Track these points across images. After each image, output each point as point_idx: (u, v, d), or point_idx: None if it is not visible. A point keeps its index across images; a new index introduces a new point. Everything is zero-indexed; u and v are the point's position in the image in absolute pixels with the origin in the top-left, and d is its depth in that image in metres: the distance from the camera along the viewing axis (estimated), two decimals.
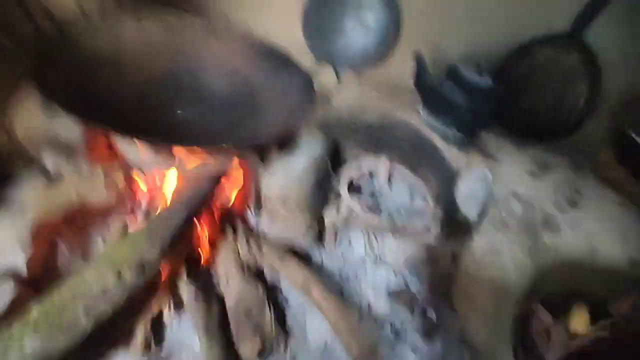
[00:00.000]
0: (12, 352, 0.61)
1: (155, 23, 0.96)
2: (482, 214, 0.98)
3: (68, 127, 0.86)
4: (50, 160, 0.89)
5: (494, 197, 1.05)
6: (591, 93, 1.24)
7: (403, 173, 1.10)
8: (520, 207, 1.06)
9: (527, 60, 1.30)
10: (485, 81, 1.14)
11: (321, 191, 0.93)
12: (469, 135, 1.20)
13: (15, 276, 0.79)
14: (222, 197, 1.00)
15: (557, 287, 0.94)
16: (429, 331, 0.93)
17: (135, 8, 1.24)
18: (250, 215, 1.04)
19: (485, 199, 0.99)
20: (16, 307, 0.75)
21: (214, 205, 0.97)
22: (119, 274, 0.70)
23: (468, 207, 0.97)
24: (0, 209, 0.82)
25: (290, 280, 0.90)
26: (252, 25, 1.27)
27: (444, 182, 1.05)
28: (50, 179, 0.87)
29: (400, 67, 1.35)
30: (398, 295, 1.00)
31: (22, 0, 0.88)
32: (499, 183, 1.09)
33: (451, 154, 1.14)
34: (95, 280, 0.69)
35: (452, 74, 1.18)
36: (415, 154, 1.13)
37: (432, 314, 0.95)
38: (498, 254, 0.94)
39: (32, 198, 0.82)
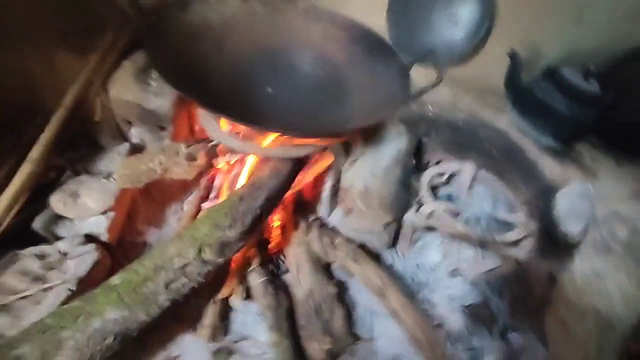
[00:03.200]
0: (95, 318, 0.60)
1: (260, 1, 0.96)
2: (583, 234, 0.86)
3: (158, 102, 0.87)
4: (136, 133, 0.90)
5: (595, 217, 0.93)
6: None
7: (487, 179, 1.00)
8: (625, 230, 0.93)
9: (635, 66, 1.14)
10: (592, 86, 1.02)
11: (404, 190, 0.87)
12: (565, 144, 1.08)
13: (97, 240, 0.80)
14: (296, 184, 0.96)
15: None
16: (509, 357, 0.83)
17: None
18: (322, 208, 1.00)
19: (588, 217, 0.88)
20: (97, 272, 0.75)
21: (288, 192, 0.93)
22: (199, 251, 0.68)
23: (569, 224, 0.85)
24: (89, 175, 0.83)
25: (365, 281, 0.84)
26: None
27: (538, 194, 0.94)
28: (136, 150, 0.88)
29: (487, 66, 1.25)
30: (474, 311, 0.90)
31: None
32: (598, 202, 0.96)
33: (544, 163, 1.03)
34: (176, 255, 0.67)
35: (552, 75, 1.07)
36: (503, 160, 1.03)
37: (515, 339, 0.85)
38: (602, 281, 0.82)
39: (118, 166, 0.83)
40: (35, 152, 0.77)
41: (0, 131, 0.87)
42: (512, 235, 0.85)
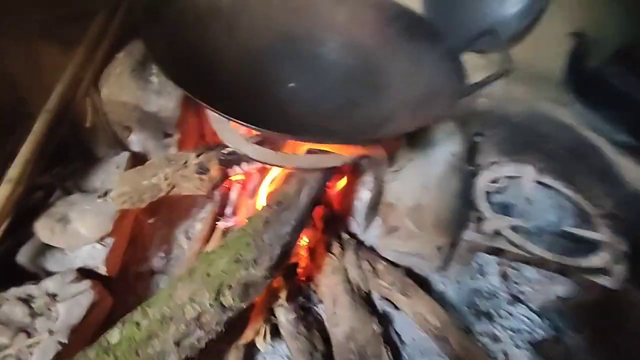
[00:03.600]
0: None
1: None
2: None
3: (160, 103, 0.72)
4: (137, 141, 0.75)
5: None
6: None
7: (554, 186, 0.84)
8: None
9: None
10: None
11: (463, 204, 0.71)
12: None
13: (94, 275, 0.66)
14: (326, 199, 0.81)
15: None
16: None
17: None
18: (355, 222, 0.84)
19: None
20: (94, 316, 0.62)
21: (317, 209, 0.79)
22: (217, 294, 0.54)
23: None
24: (82, 194, 0.69)
25: (418, 319, 0.69)
26: None
27: (621, 204, 0.78)
28: (138, 161, 0.73)
29: (539, 49, 1.07)
30: (544, 347, 0.75)
31: None
32: None
33: (623, 164, 0.86)
34: (189, 300, 0.53)
35: (628, 58, 0.89)
36: (571, 162, 0.86)
37: None
38: None
39: (115, 182, 0.69)
40: (16, 169, 0.63)
41: None
42: (598, 259, 0.69)
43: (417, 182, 0.69)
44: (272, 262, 0.57)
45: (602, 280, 0.68)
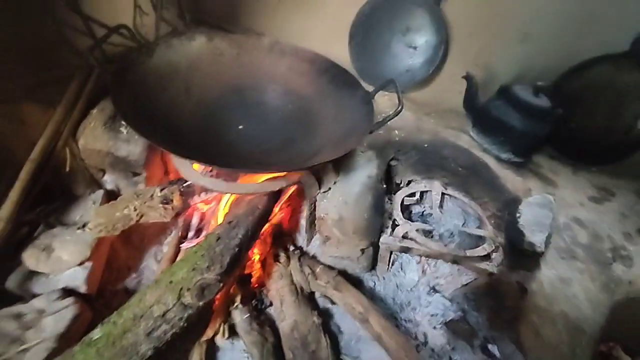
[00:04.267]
0: None
1: (225, 41, 0.99)
2: (547, 243, 0.92)
3: (129, 149, 0.88)
4: (110, 180, 0.90)
5: (557, 225, 0.99)
6: None
7: (456, 196, 1.05)
8: (585, 235, 1.00)
9: (581, 79, 1.22)
10: (543, 101, 1.10)
11: (377, 215, 0.90)
12: (523, 157, 1.15)
13: (76, 293, 0.79)
14: (274, 217, 0.98)
15: (636, 325, 0.86)
16: None
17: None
18: (301, 237, 1.02)
19: (550, 226, 0.93)
20: (77, 326, 0.74)
21: (268, 228, 0.95)
22: (179, 296, 0.69)
23: (533, 234, 0.91)
24: (63, 226, 0.83)
25: (347, 309, 0.86)
26: None
27: (503, 207, 1.00)
28: (111, 197, 0.88)
29: (446, 89, 1.33)
30: (454, 326, 0.94)
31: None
32: (559, 209, 1.03)
33: (506, 176, 1.09)
34: (156, 302, 0.68)
35: (506, 94, 1.15)
36: (468, 177, 1.08)
37: (494, 350, 0.88)
38: (568, 286, 0.87)
39: (93, 215, 0.83)
40: (5, 210, 0.76)
41: None
42: (481, 250, 0.90)
43: (340, 199, 0.88)
44: (223, 268, 0.73)
45: (485, 266, 0.88)
